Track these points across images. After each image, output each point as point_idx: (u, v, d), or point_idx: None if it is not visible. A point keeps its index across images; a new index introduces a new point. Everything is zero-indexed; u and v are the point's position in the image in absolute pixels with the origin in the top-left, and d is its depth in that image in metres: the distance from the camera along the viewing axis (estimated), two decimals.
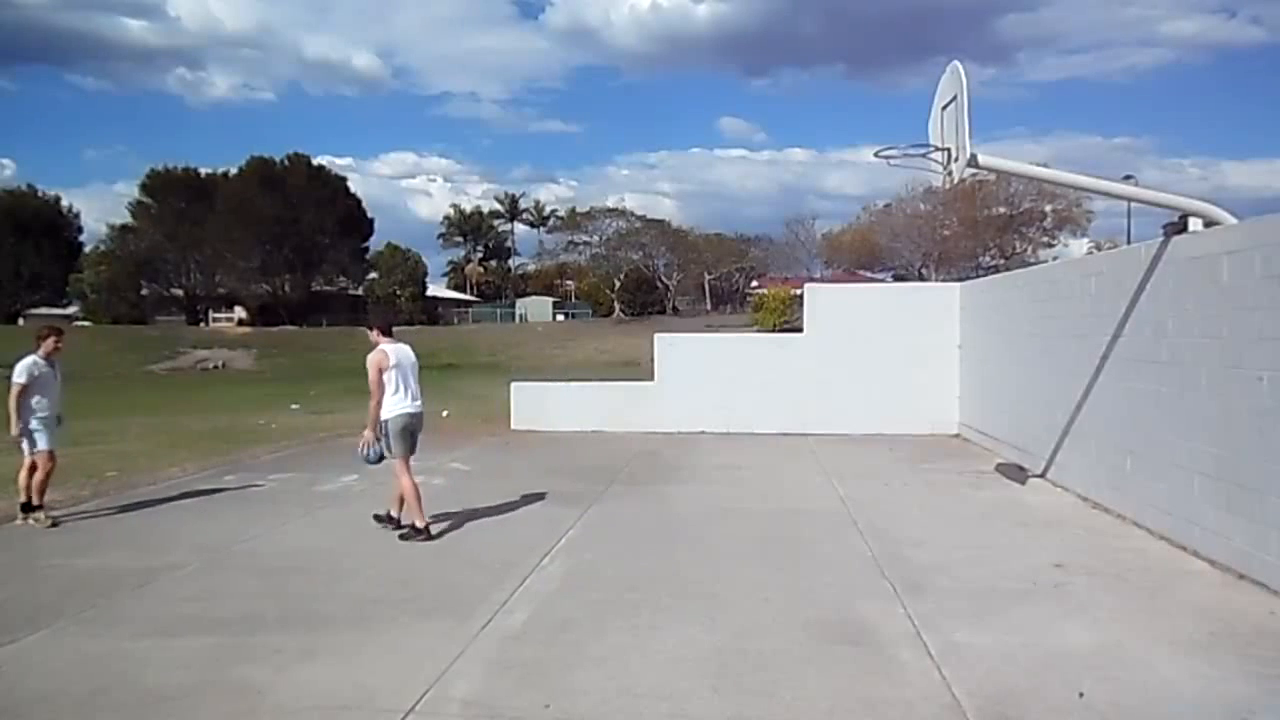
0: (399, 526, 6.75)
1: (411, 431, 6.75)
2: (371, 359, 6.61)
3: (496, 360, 42.89)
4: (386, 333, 6.83)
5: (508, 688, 3.91)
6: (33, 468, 7.14)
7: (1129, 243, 18.18)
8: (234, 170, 66.04)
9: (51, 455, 7.20)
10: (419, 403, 6.80)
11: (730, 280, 66.29)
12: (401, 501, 6.75)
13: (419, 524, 6.61)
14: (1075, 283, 8.61)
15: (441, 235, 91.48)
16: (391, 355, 6.62)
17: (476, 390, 22.79)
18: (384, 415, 6.61)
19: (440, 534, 6.86)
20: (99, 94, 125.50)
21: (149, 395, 25.73)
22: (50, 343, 7.29)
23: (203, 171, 66.41)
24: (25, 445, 7.15)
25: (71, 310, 64.38)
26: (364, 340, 7.26)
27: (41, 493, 7.21)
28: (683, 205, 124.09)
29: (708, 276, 63.61)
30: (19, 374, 7.08)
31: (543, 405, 13.94)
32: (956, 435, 12.68)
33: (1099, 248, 38.06)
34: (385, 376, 6.56)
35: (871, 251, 53.27)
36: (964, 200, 42.18)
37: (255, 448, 12.23)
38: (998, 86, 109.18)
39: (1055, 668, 4.06)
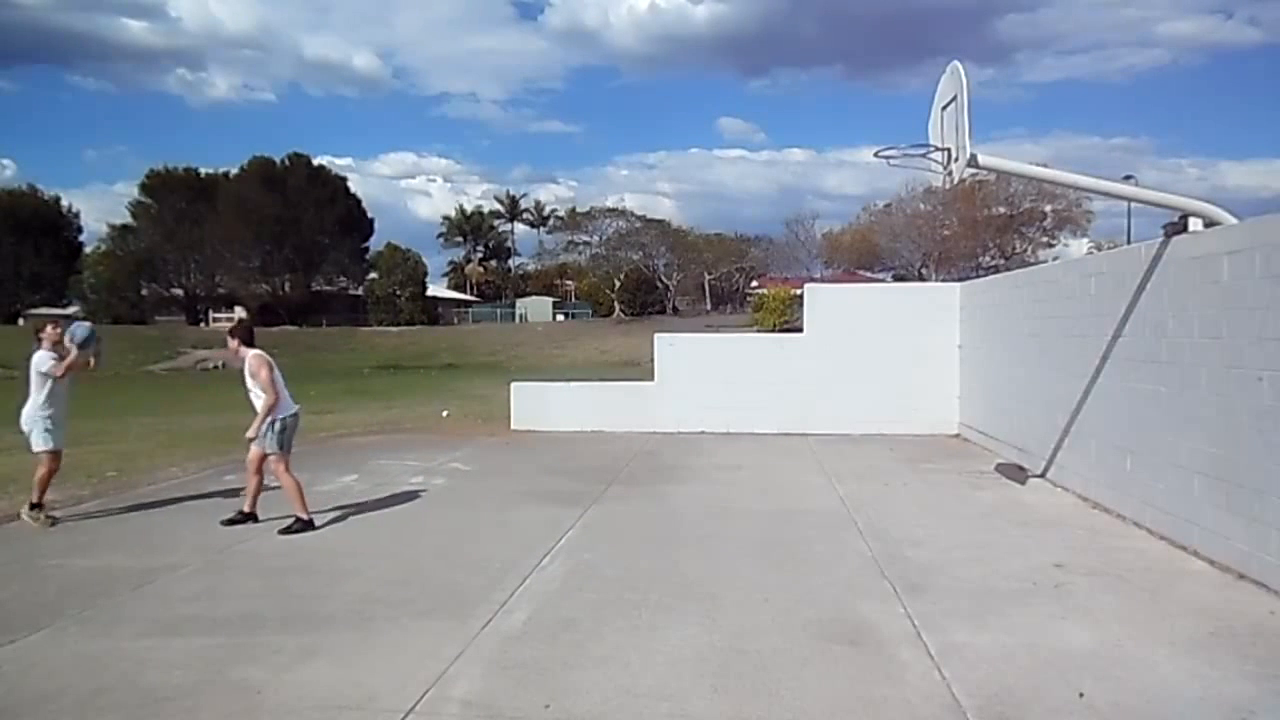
0: (250, 520, 7.14)
1: (293, 431, 7.29)
2: (261, 360, 7.01)
3: (496, 360, 42.92)
4: (249, 344, 7.21)
5: (508, 688, 3.91)
6: (52, 461, 7.17)
7: (1129, 243, 18.18)
8: (234, 170, 66.14)
9: (57, 455, 7.21)
10: None
11: (730, 280, 66.29)
12: (256, 498, 7.23)
13: (304, 516, 6.98)
14: (1075, 283, 8.61)
15: (441, 235, 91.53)
16: (271, 360, 7.12)
17: (476, 390, 22.81)
18: (281, 414, 6.99)
19: (441, 534, 6.88)
20: (99, 94, 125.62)
21: (149, 395, 25.74)
22: (52, 330, 7.27)
23: (203, 171, 66.52)
24: (37, 440, 7.13)
25: (72, 310, 64.35)
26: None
27: (42, 491, 7.21)
28: (682, 205, 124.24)
29: (708, 276, 63.62)
30: (44, 364, 7.08)
31: (543, 405, 13.94)
32: (956, 435, 12.68)
33: (1099, 248, 38.05)
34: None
35: (871, 251, 53.32)
36: (964, 200, 42.22)
37: None
38: (996, 87, 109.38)
39: (1055, 668, 4.06)
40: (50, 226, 65.45)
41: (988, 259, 47.17)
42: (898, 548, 6.30)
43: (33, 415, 7.14)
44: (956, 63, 7.07)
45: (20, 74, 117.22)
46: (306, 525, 6.91)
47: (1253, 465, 5.42)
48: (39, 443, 7.14)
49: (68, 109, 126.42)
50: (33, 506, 7.17)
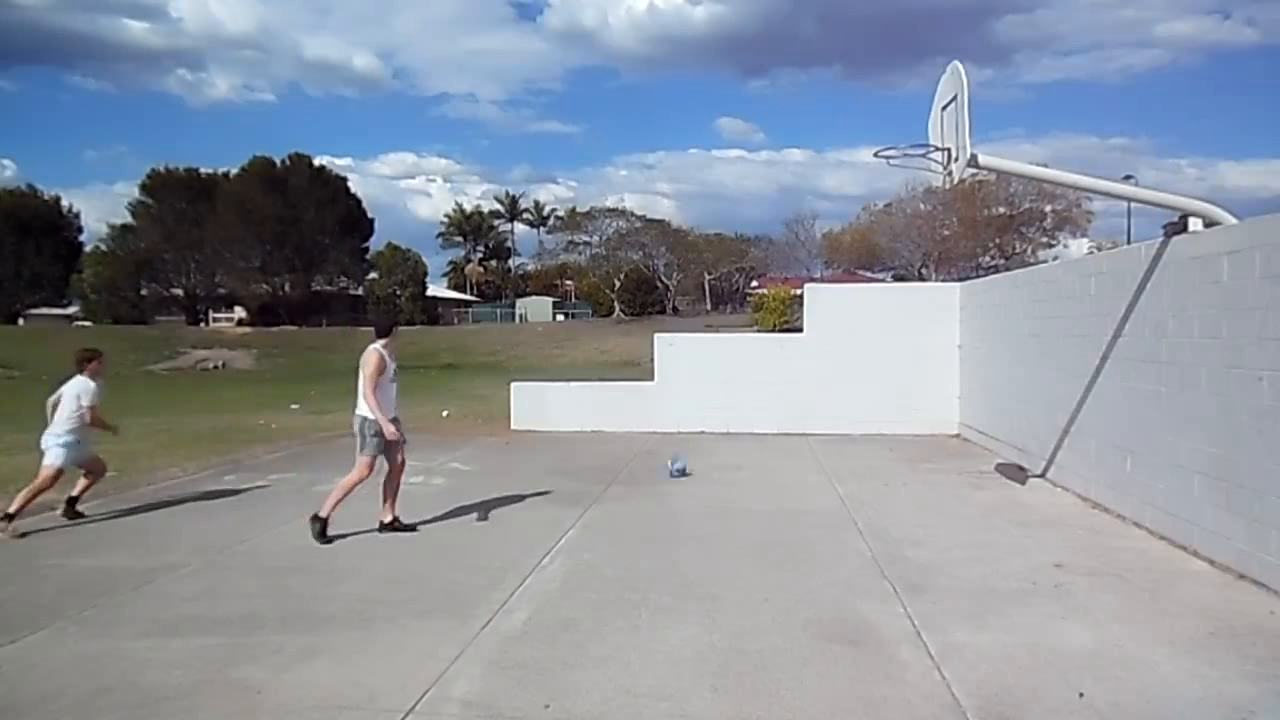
0: (406, 527, 7.00)
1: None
2: None
3: (496, 360, 42.91)
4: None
5: (508, 688, 3.91)
6: (53, 477, 7.10)
7: (1129, 243, 18.18)
8: (234, 170, 66.08)
9: (59, 474, 7.16)
10: None
11: (730, 280, 66.25)
12: (396, 499, 7.06)
13: (325, 515, 6.72)
14: (1075, 283, 8.61)
15: (441, 235, 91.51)
16: None
17: (476, 390, 22.81)
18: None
19: (441, 534, 6.91)
20: (99, 94, 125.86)
21: (149, 395, 25.70)
22: (96, 365, 7.36)
23: (203, 171, 66.41)
24: (50, 455, 7.08)
25: (71, 310, 64.39)
26: (365, 339, 7.41)
27: (25, 504, 6.95)
28: (681, 205, 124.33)
29: (708, 276, 63.55)
30: (88, 396, 7.17)
31: (543, 405, 13.94)
32: (956, 435, 12.68)
33: (1099, 248, 38.02)
34: None
35: (871, 251, 53.27)
36: (964, 200, 42.17)
37: (255, 448, 12.22)
38: (995, 88, 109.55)
39: (1055, 668, 4.06)
40: (50, 226, 65.30)
41: (988, 259, 47.12)
42: (898, 548, 6.30)
43: (55, 432, 7.12)
44: (956, 63, 7.07)
45: (20, 74, 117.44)
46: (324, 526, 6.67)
47: (1253, 465, 5.42)
48: (50, 457, 7.08)
49: (68, 109, 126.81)
50: (10, 516, 6.83)
